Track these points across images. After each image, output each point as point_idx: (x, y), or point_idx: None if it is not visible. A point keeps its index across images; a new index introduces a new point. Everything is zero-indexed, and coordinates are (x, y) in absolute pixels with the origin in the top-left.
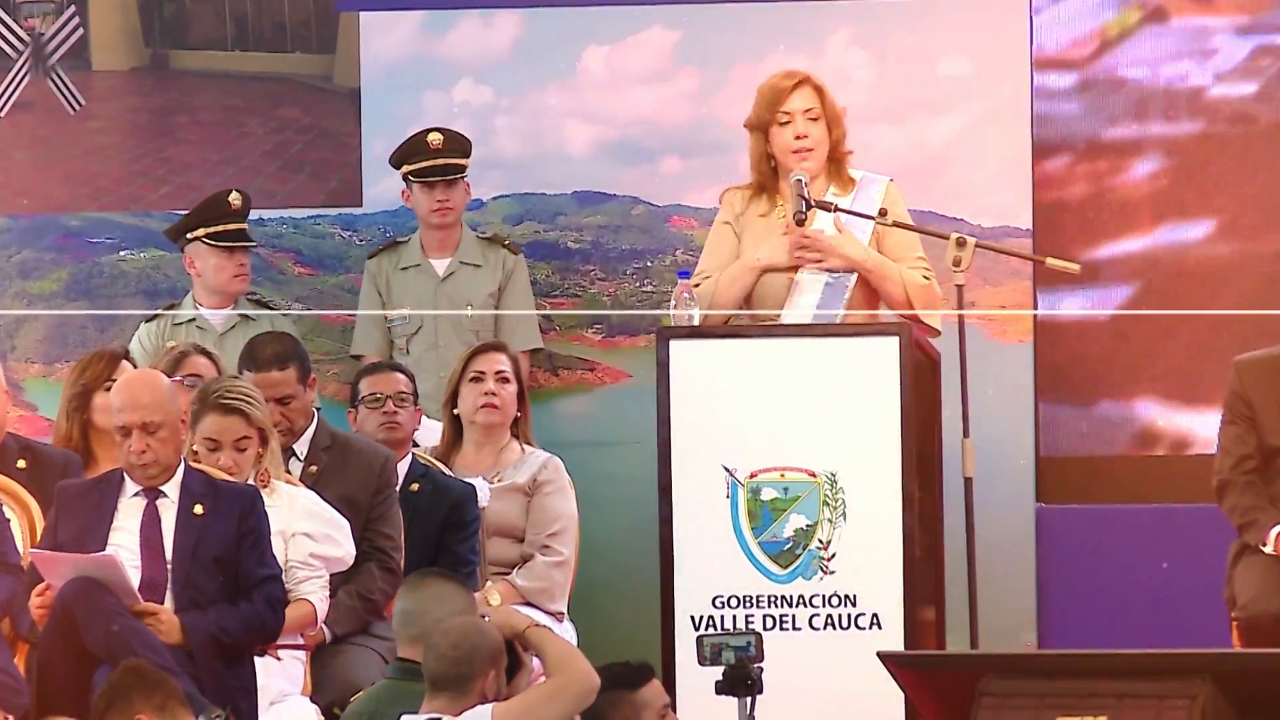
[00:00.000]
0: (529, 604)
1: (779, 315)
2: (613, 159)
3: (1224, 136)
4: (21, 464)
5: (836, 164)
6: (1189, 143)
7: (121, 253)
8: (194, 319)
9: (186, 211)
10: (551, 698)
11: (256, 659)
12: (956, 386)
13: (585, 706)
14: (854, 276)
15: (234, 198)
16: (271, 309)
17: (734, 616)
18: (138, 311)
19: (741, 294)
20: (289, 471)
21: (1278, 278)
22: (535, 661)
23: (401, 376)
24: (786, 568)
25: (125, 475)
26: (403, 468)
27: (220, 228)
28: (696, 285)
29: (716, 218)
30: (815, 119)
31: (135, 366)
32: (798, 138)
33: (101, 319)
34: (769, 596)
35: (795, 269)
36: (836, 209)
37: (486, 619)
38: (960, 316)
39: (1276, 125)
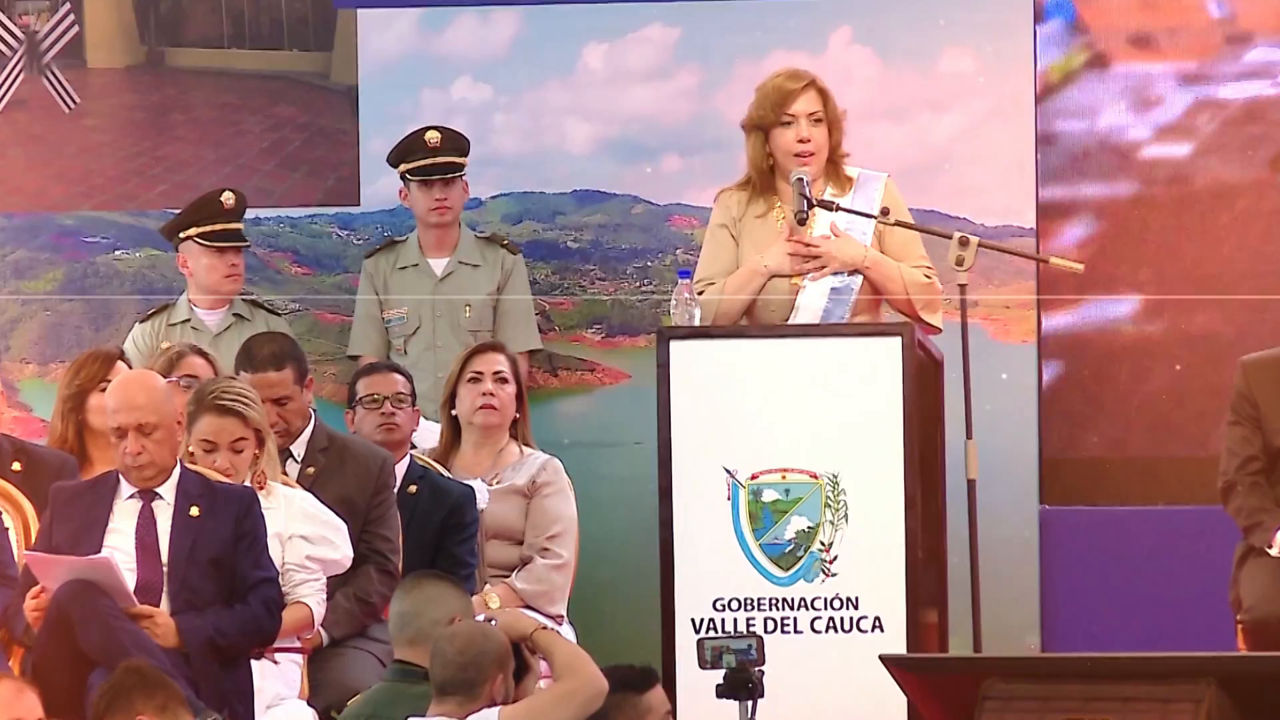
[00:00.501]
0: (528, 607)
1: (786, 322)
2: (612, 157)
3: (1158, 199)
4: (16, 466)
5: (834, 165)
6: (1122, 206)
7: (117, 252)
8: (189, 319)
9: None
10: (559, 701)
11: (253, 662)
12: (959, 388)
13: (593, 710)
14: (859, 279)
15: (226, 197)
16: (268, 309)
17: (735, 619)
18: (130, 297)
19: (749, 300)
20: (286, 473)
21: (1214, 355)
22: (543, 664)
23: (399, 377)
24: (788, 570)
25: (121, 477)
26: (401, 469)
27: (212, 227)
28: (700, 293)
29: (712, 220)
30: (818, 121)
31: (130, 367)
32: (800, 141)
33: (97, 319)
34: (770, 599)
35: (799, 274)
36: (839, 208)
37: (494, 622)
38: (963, 319)
39: (1210, 187)
